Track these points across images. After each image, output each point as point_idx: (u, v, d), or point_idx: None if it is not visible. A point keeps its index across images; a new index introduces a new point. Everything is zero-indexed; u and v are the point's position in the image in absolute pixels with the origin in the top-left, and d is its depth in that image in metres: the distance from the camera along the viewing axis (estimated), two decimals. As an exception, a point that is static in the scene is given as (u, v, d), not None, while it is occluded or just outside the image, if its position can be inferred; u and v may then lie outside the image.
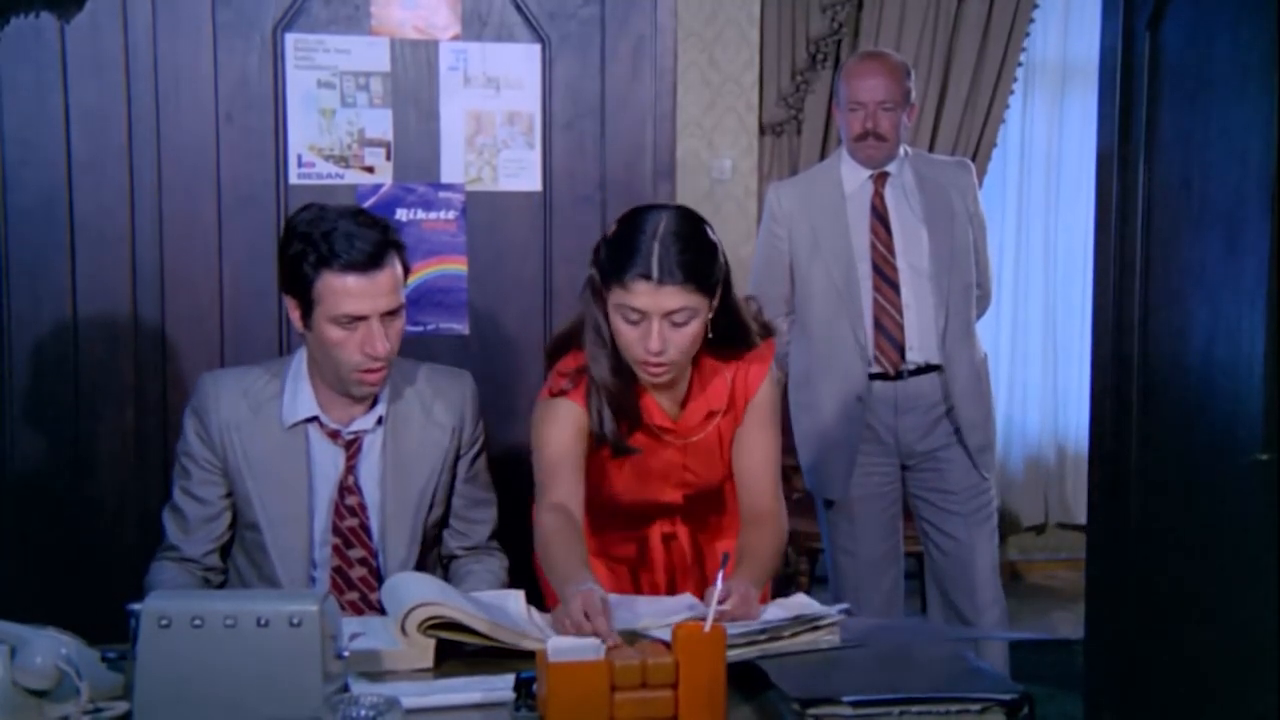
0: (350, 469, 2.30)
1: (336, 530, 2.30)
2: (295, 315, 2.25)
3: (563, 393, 2.21)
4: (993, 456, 3.52)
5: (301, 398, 2.30)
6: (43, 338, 2.64)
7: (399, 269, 2.24)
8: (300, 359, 2.33)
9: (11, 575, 2.58)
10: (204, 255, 2.69)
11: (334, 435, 2.31)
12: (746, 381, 2.29)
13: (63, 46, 2.61)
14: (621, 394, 2.20)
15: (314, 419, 2.31)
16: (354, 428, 2.31)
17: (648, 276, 2.07)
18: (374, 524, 2.31)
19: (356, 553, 2.30)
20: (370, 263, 2.18)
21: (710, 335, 2.18)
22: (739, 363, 2.28)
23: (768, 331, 2.32)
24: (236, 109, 2.69)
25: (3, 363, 2.63)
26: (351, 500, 2.30)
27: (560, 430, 2.20)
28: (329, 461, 2.31)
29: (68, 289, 2.64)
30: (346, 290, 2.17)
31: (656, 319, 2.10)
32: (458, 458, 2.39)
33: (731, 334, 2.23)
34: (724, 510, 2.43)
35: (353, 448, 2.31)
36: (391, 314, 2.22)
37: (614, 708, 1.65)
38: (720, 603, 1.82)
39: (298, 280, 2.21)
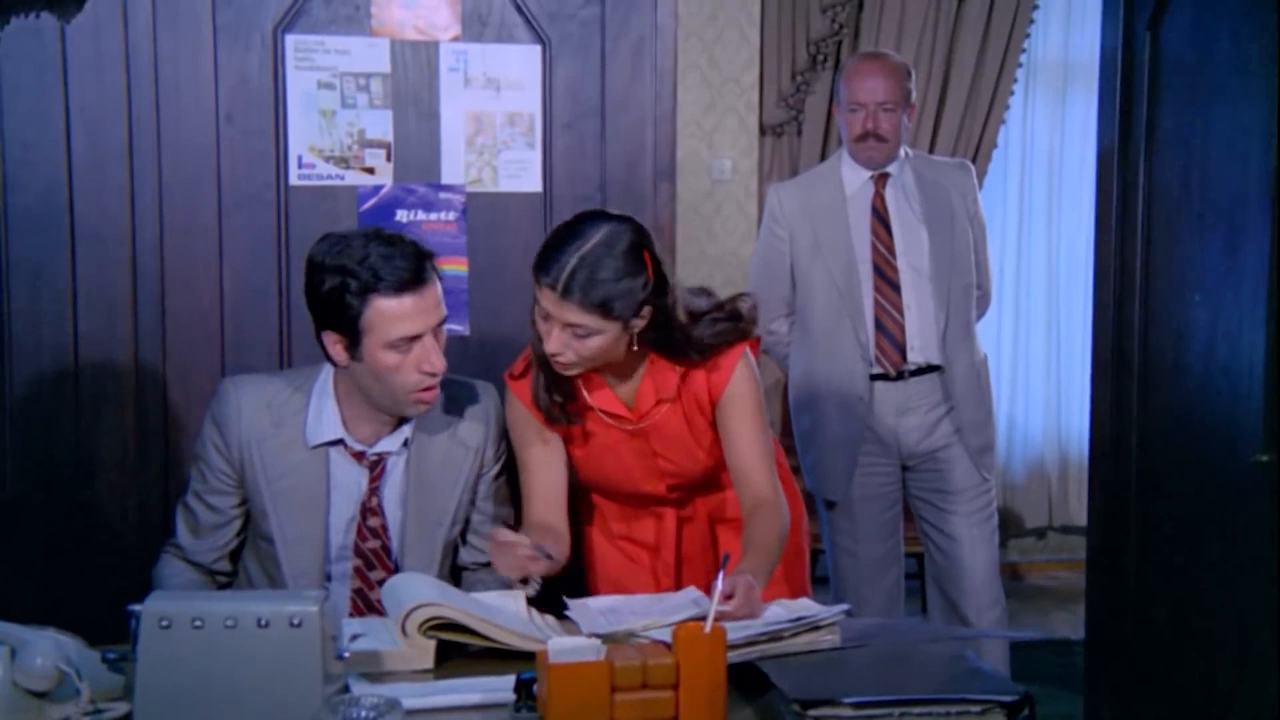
0: (374, 490, 2.26)
1: (358, 552, 2.26)
2: (338, 349, 2.16)
3: (521, 375, 2.34)
4: (993, 457, 3.53)
5: (326, 418, 2.25)
6: (43, 338, 2.63)
7: (438, 279, 2.19)
8: (326, 377, 2.27)
9: (11, 575, 2.58)
10: (204, 255, 2.68)
11: (359, 456, 2.26)
12: (709, 382, 2.30)
13: (63, 46, 2.60)
14: (556, 372, 2.26)
15: (338, 441, 2.25)
16: (379, 448, 2.26)
17: (553, 287, 2.12)
18: (394, 545, 2.27)
19: (377, 574, 2.26)
20: (416, 279, 2.13)
21: (651, 339, 2.23)
22: (693, 368, 2.30)
23: (740, 334, 2.31)
24: (237, 109, 2.68)
25: (2, 362, 2.62)
26: (374, 522, 2.26)
27: (528, 438, 2.34)
28: (351, 481, 2.26)
29: (68, 289, 2.63)
30: (399, 313, 2.11)
31: (558, 325, 2.15)
32: (479, 476, 2.35)
33: (668, 348, 2.26)
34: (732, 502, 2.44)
35: (377, 468, 2.26)
36: (438, 327, 2.18)
37: (614, 708, 1.65)
38: (723, 601, 1.82)
39: (341, 313, 2.12)
